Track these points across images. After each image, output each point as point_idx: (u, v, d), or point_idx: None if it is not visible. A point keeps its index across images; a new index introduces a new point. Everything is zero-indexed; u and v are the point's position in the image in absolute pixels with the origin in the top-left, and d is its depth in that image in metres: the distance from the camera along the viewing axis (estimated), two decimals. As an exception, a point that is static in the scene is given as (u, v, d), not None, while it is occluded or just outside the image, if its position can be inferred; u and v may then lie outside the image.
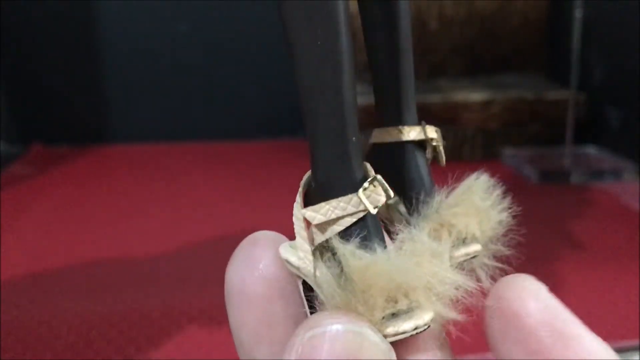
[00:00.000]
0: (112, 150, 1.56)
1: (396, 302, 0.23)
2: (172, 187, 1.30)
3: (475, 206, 0.29)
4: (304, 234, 0.27)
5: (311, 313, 0.26)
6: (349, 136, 0.25)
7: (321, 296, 0.25)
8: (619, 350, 0.71)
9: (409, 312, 0.23)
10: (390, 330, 0.23)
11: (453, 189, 0.30)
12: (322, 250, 0.26)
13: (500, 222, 0.29)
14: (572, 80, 1.29)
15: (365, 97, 1.34)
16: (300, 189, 0.29)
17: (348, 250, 0.24)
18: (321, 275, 0.25)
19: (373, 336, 0.21)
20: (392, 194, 0.25)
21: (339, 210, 0.25)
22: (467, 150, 1.40)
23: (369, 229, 0.25)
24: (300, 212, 0.27)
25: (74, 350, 0.71)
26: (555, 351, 0.19)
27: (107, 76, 1.58)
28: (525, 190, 1.22)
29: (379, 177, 0.25)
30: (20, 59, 1.56)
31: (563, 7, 1.50)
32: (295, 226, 0.28)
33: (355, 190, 0.25)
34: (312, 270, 0.26)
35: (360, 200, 0.25)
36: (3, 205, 1.17)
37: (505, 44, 1.57)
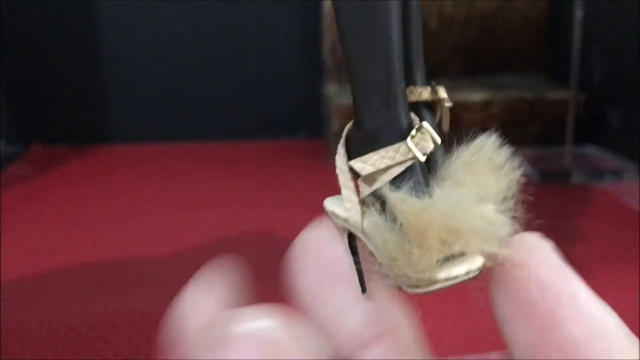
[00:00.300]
0: (112, 150, 1.56)
1: (451, 245, 0.23)
2: (172, 187, 1.30)
3: (491, 164, 0.28)
4: (350, 184, 0.26)
5: (356, 267, 0.26)
6: (397, 81, 0.25)
7: (370, 246, 0.25)
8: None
9: (461, 256, 0.23)
10: (442, 274, 0.23)
11: (465, 148, 0.29)
12: (369, 201, 0.26)
13: (514, 179, 0.28)
14: (572, 81, 1.29)
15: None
16: (342, 140, 0.28)
17: (399, 197, 0.24)
18: (370, 224, 0.25)
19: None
20: (439, 140, 0.25)
21: (387, 159, 0.25)
22: (467, 150, 1.41)
23: (419, 176, 0.25)
24: (344, 164, 0.27)
25: (73, 350, 0.71)
26: (544, 304, 0.19)
27: (107, 76, 1.58)
28: (525, 190, 1.22)
29: (425, 124, 0.25)
30: (21, 59, 1.56)
31: (563, 8, 1.50)
32: (340, 178, 0.27)
33: (403, 138, 0.25)
34: (360, 220, 0.25)
35: (409, 149, 0.25)
36: (3, 205, 1.17)
37: (505, 44, 1.57)
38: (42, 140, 1.57)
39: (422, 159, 0.25)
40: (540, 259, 0.22)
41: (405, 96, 0.26)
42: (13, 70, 1.56)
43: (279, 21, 1.58)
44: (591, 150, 1.38)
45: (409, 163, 0.25)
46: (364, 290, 0.25)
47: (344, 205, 0.26)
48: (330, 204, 0.27)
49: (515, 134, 1.42)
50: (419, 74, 0.36)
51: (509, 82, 1.50)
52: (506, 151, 0.29)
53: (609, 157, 1.33)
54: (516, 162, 0.30)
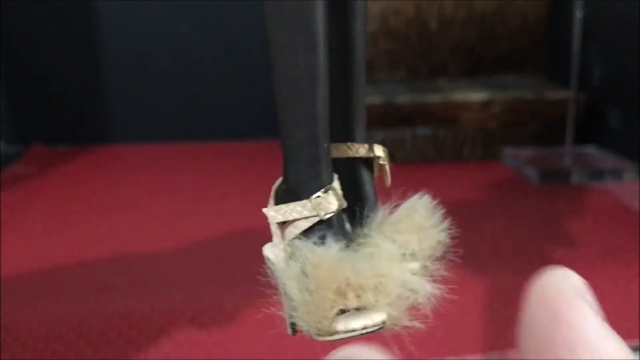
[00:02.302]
0: (112, 150, 1.56)
1: (345, 297, 0.24)
2: (172, 187, 1.30)
3: (417, 224, 0.30)
4: (279, 233, 0.29)
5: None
6: (320, 143, 0.27)
7: (281, 292, 0.27)
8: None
9: (361, 311, 0.24)
10: (339, 326, 0.24)
11: (396, 206, 0.31)
12: (292, 252, 0.28)
13: (440, 242, 0.30)
14: (572, 81, 1.29)
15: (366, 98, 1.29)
16: (272, 192, 0.32)
17: (308, 247, 0.26)
18: (286, 272, 0.27)
19: None
20: (345, 203, 0.27)
21: (295, 213, 0.28)
22: (468, 150, 1.41)
23: (333, 230, 0.27)
24: (269, 217, 0.30)
25: (73, 350, 0.71)
26: (546, 330, 0.20)
27: (107, 76, 1.58)
28: (526, 190, 1.22)
29: (334, 185, 0.27)
30: (21, 59, 1.56)
31: (563, 8, 1.50)
32: (271, 226, 0.30)
33: (311, 196, 0.27)
34: (282, 268, 0.28)
35: (313, 206, 0.27)
36: (3, 205, 1.17)
37: (505, 44, 1.57)
38: (42, 140, 1.57)
39: (324, 217, 0.27)
40: (564, 299, 0.22)
41: (328, 155, 0.28)
42: (13, 70, 1.56)
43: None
44: (591, 150, 1.38)
45: (313, 220, 0.27)
46: (291, 332, 0.29)
47: (274, 251, 0.29)
48: (266, 249, 0.30)
49: (515, 134, 1.42)
50: (360, 127, 0.36)
51: (509, 82, 1.50)
52: (437, 213, 0.31)
53: (608, 157, 1.33)
54: (445, 224, 0.32)
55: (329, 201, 0.26)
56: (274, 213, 0.28)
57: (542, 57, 1.59)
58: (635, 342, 0.72)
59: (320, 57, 0.26)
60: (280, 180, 0.30)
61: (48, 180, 1.34)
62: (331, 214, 0.26)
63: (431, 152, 1.39)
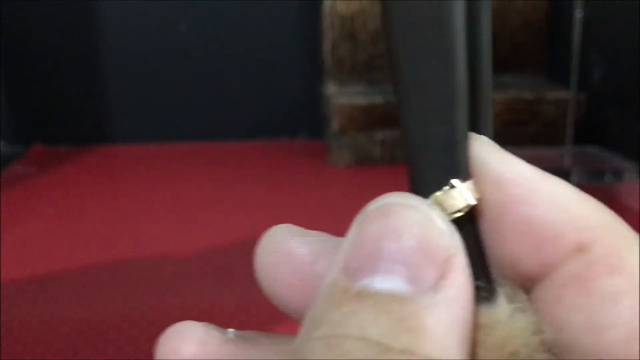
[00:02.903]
0: (113, 150, 1.56)
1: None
2: (173, 187, 1.30)
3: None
4: None
5: None
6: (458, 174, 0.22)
7: None
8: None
9: None
10: None
11: None
12: None
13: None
14: (572, 80, 1.29)
15: (365, 97, 1.35)
16: None
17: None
18: None
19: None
20: (472, 200, 0.22)
21: None
22: (467, 151, 1.40)
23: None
24: None
25: (73, 350, 0.71)
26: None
27: (108, 76, 1.58)
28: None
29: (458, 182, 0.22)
30: (20, 58, 1.56)
31: (563, 8, 1.50)
32: None
33: None
34: None
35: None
36: (3, 205, 1.17)
37: (504, 43, 1.57)
38: (42, 140, 1.57)
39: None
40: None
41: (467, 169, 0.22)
42: (13, 69, 1.56)
43: (279, 21, 1.58)
44: (591, 150, 1.38)
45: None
46: None
47: None
48: None
49: (515, 133, 1.42)
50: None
51: (509, 82, 1.50)
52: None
53: (609, 157, 1.33)
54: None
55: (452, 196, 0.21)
56: None
57: (542, 57, 1.59)
58: (635, 342, 0.72)
59: (461, 69, 0.21)
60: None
61: (48, 180, 1.34)
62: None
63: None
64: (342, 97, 1.38)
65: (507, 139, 1.43)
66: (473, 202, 0.21)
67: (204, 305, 0.79)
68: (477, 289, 0.19)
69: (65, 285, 0.86)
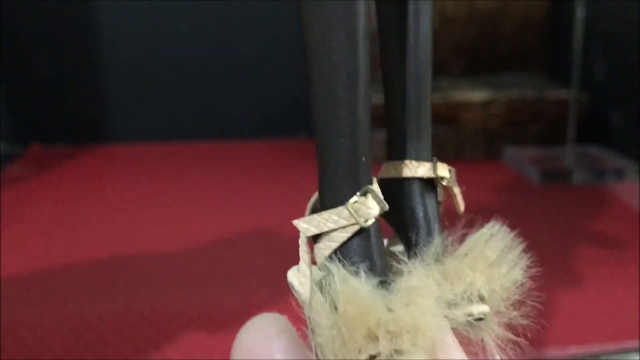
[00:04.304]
0: (112, 150, 1.56)
1: (377, 342, 0.20)
2: (172, 187, 1.29)
3: (486, 260, 0.25)
4: (307, 257, 0.25)
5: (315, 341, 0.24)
6: (359, 156, 0.24)
7: (310, 325, 0.23)
8: (619, 351, 0.70)
9: (395, 355, 0.20)
10: None
11: (463, 236, 0.27)
12: (323, 277, 0.24)
13: (515, 282, 0.25)
14: (573, 80, 1.28)
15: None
16: (307, 211, 0.26)
17: (342, 275, 0.22)
18: (315, 302, 0.23)
19: None
20: (386, 206, 0.23)
21: (330, 222, 0.23)
22: (468, 150, 1.40)
23: (369, 250, 0.23)
24: (301, 229, 0.25)
25: (72, 351, 0.71)
26: None
27: (107, 76, 1.58)
28: (527, 190, 1.22)
29: (371, 187, 0.23)
30: (20, 58, 1.55)
31: (564, 7, 1.49)
32: (300, 250, 0.26)
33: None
34: (309, 297, 0.24)
35: (350, 213, 0.23)
36: (2, 205, 1.17)
37: (506, 43, 1.57)
38: (40, 140, 1.56)
39: (364, 224, 0.23)
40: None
41: (368, 172, 0.24)
42: (11, 69, 1.55)
43: (278, 20, 1.58)
44: (593, 150, 1.37)
45: (353, 229, 0.23)
46: None
47: (300, 278, 0.25)
48: (291, 275, 0.26)
49: (516, 133, 1.42)
50: (420, 145, 0.31)
51: (510, 82, 1.50)
52: (515, 247, 0.27)
53: (610, 156, 1.33)
54: (524, 261, 0.26)
55: (368, 205, 0.23)
56: (306, 225, 0.24)
57: (544, 56, 1.59)
58: (635, 343, 0.72)
59: (361, 58, 0.23)
60: (315, 196, 0.26)
61: (47, 180, 1.33)
62: (372, 221, 0.23)
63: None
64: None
65: (508, 139, 1.43)
66: (386, 207, 0.23)
67: (204, 305, 0.78)
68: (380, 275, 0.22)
69: (63, 286, 0.86)
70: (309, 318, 0.23)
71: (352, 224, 0.23)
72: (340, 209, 0.24)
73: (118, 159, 1.51)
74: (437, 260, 0.26)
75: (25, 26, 1.53)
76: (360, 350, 0.20)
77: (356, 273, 0.22)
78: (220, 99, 1.61)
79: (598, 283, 0.83)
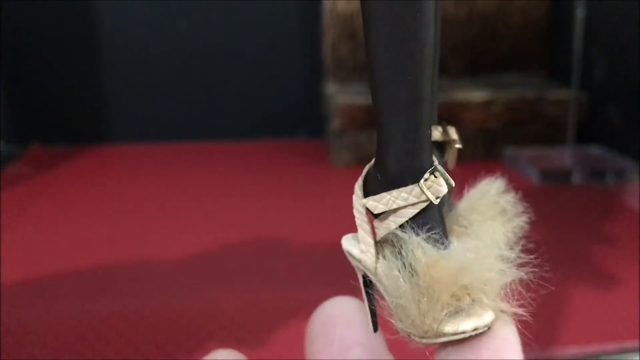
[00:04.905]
0: (111, 150, 1.56)
1: (459, 299, 0.23)
2: (172, 187, 1.29)
3: (497, 207, 0.28)
4: (367, 227, 0.26)
5: (370, 309, 0.26)
6: (425, 129, 0.25)
7: (381, 290, 0.25)
8: (619, 351, 0.70)
9: (469, 310, 0.23)
10: (449, 328, 0.22)
11: (472, 190, 0.29)
12: (385, 244, 0.26)
13: (519, 224, 0.29)
14: (573, 80, 1.28)
15: (365, 97, 1.34)
16: (361, 180, 0.27)
17: (417, 243, 0.24)
18: (383, 268, 0.25)
19: None
20: (453, 183, 0.25)
21: (400, 200, 0.25)
22: (468, 150, 1.40)
23: (436, 223, 0.25)
24: (361, 205, 0.26)
25: (72, 351, 0.71)
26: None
27: (107, 76, 1.58)
28: (527, 190, 1.22)
29: (439, 167, 0.25)
30: (20, 58, 1.55)
31: (564, 7, 1.49)
32: (356, 219, 0.27)
33: (417, 181, 0.25)
34: (374, 264, 0.25)
35: (422, 191, 0.24)
36: (2, 205, 1.16)
37: (506, 43, 1.57)
38: (40, 140, 1.56)
39: (435, 202, 0.24)
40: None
41: (430, 141, 0.26)
42: (12, 70, 1.55)
43: (278, 20, 1.58)
44: (593, 150, 1.37)
45: (421, 206, 0.25)
46: (375, 329, 0.26)
47: (359, 246, 0.26)
48: (347, 243, 0.27)
49: (516, 133, 1.42)
50: (433, 107, 0.33)
51: (510, 82, 1.50)
52: (511, 196, 0.29)
53: (610, 156, 1.33)
54: (520, 207, 0.29)
55: (439, 183, 0.24)
56: (375, 203, 0.25)
57: (544, 56, 1.59)
58: (635, 343, 0.72)
59: (431, 30, 0.24)
60: (367, 169, 0.27)
61: (47, 180, 1.33)
62: (441, 198, 0.24)
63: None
64: (342, 96, 1.38)
65: (509, 139, 1.43)
66: (452, 184, 0.25)
67: (204, 305, 0.78)
68: (436, 240, 0.24)
69: (63, 286, 0.86)
70: (378, 282, 0.25)
71: (422, 201, 0.25)
72: (411, 187, 0.25)
73: (118, 159, 1.51)
74: (459, 215, 0.28)
75: (25, 26, 1.53)
76: (442, 308, 0.22)
77: (430, 240, 0.24)
78: (220, 99, 1.61)
79: (598, 283, 0.83)
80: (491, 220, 0.27)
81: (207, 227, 1.07)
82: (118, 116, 1.60)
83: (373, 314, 0.26)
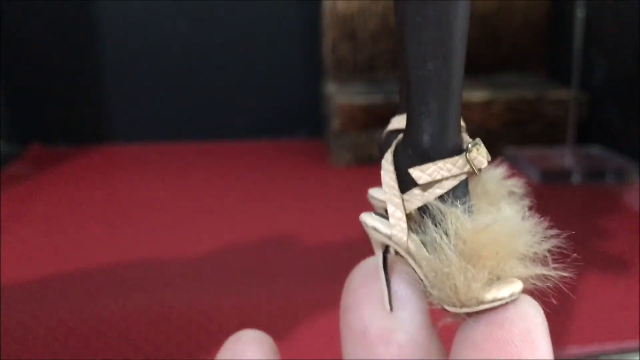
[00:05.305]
0: (111, 150, 1.56)
1: (500, 267, 0.24)
2: (172, 187, 1.29)
3: (504, 190, 0.30)
4: (398, 200, 0.26)
5: (387, 286, 0.26)
6: (457, 104, 0.27)
7: (413, 264, 0.25)
8: (619, 351, 0.70)
9: (501, 279, 0.24)
10: (489, 296, 0.23)
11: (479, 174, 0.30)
12: (414, 219, 0.26)
13: (524, 206, 0.30)
14: (573, 80, 1.29)
15: (365, 97, 1.34)
16: (390, 156, 0.27)
17: (456, 215, 0.25)
18: (415, 242, 0.25)
19: None
20: (489, 156, 0.26)
21: (445, 171, 0.25)
22: (468, 150, 1.40)
23: (468, 195, 0.26)
24: (393, 180, 0.27)
25: (72, 351, 0.71)
26: None
27: (107, 76, 1.58)
28: (527, 190, 1.22)
29: (479, 140, 0.26)
30: (20, 58, 1.55)
31: (564, 7, 1.49)
32: (386, 194, 0.27)
33: (459, 153, 0.26)
34: (405, 238, 0.25)
35: (467, 162, 0.25)
36: (2, 205, 1.16)
37: (506, 43, 1.57)
38: (40, 140, 1.56)
39: (478, 173, 0.26)
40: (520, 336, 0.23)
41: (460, 116, 0.27)
42: (12, 70, 1.55)
43: (278, 20, 1.58)
44: (593, 150, 1.37)
45: (463, 177, 0.26)
46: (391, 307, 0.26)
47: (387, 221, 0.26)
48: (370, 219, 0.27)
49: (516, 133, 1.42)
50: None
51: (510, 82, 1.50)
52: (515, 180, 0.31)
53: (610, 157, 1.33)
54: (523, 190, 0.31)
55: (483, 155, 0.25)
56: (421, 173, 0.25)
57: (544, 56, 1.59)
58: (635, 343, 0.72)
59: (466, 10, 0.27)
60: (395, 145, 0.27)
61: (47, 180, 1.33)
62: (480, 171, 0.25)
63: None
64: (342, 96, 1.38)
65: (508, 139, 1.43)
66: (489, 157, 0.26)
67: (204, 306, 0.78)
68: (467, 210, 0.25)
69: (63, 287, 0.86)
70: (408, 255, 0.26)
71: (465, 172, 0.25)
72: (456, 158, 0.26)
73: (118, 159, 1.51)
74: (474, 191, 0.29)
75: (25, 26, 1.53)
76: (489, 273, 0.24)
77: (467, 211, 0.25)
78: (220, 99, 1.61)
79: (598, 283, 0.83)
80: (503, 200, 0.28)
81: (207, 227, 1.07)
82: (118, 116, 1.60)
83: (389, 290, 0.26)
